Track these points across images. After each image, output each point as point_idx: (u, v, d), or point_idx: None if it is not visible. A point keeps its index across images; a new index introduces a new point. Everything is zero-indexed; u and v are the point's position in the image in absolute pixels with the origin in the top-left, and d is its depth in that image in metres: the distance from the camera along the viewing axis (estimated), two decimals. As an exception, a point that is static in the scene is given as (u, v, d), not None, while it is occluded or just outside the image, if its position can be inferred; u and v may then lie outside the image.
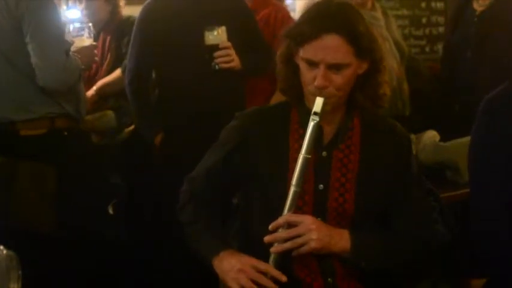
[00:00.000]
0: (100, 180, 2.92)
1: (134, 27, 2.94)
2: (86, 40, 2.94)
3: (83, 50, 2.86)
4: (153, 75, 2.99)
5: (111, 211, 2.94)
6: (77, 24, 3.07)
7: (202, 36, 2.70)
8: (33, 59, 2.57)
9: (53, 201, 2.66)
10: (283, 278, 1.67)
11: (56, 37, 2.61)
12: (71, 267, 2.70)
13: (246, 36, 2.84)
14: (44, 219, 2.63)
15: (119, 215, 3.13)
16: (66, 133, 2.73)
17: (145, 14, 2.89)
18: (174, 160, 2.75)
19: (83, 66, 2.79)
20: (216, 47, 2.71)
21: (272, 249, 1.70)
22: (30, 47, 2.57)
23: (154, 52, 2.84)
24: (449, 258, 1.93)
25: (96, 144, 3.29)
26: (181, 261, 2.54)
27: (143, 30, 2.87)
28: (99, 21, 3.48)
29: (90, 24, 3.01)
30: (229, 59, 2.73)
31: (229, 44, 2.73)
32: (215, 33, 2.70)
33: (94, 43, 2.99)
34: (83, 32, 2.95)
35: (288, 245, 1.68)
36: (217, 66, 2.72)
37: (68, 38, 2.76)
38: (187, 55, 2.75)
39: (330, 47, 1.67)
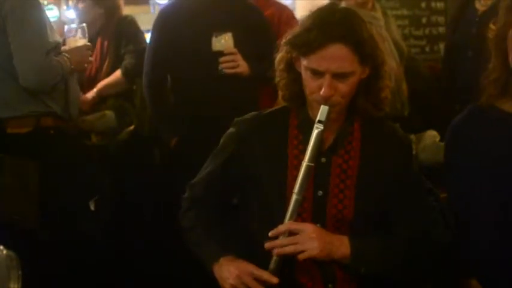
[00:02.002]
0: (86, 179, 2.89)
1: (151, 33, 3.00)
2: (79, 40, 2.94)
3: (73, 50, 2.85)
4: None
5: (92, 207, 2.93)
6: (73, 25, 3.07)
7: (211, 42, 2.75)
8: (14, 59, 2.59)
9: (35, 197, 2.66)
10: (274, 280, 1.67)
11: (35, 37, 2.61)
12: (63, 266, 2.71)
13: (258, 44, 2.86)
14: (26, 215, 2.64)
15: (106, 214, 3.09)
16: (52, 131, 2.75)
17: (161, 20, 2.94)
18: (188, 162, 2.77)
19: (72, 66, 2.78)
20: (222, 53, 2.76)
21: (275, 251, 1.69)
22: (12, 47, 2.59)
23: (169, 57, 2.87)
24: (450, 258, 1.93)
25: (90, 144, 3.30)
26: (182, 263, 2.54)
27: (159, 34, 2.93)
28: (93, 23, 3.48)
29: (84, 25, 3.01)
30: (234, 64, 2.77)
31: (234, 50, 2.77)
32: (222, 39, 2.76)
33: (88, 43, 2.98)
34: (84, 34, 2.95)
35: (289, 248, 1.68)
36: (223, 71, 2.76)
37: (54, 37, 2.73)
38: (200, 60, 2.79)
39: (336, 56, 1.66)
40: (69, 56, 2.77)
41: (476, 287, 1.84)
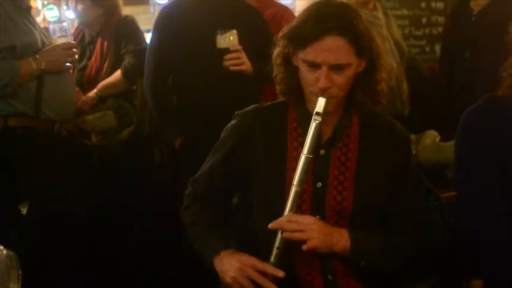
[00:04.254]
0: (56, 181, 2.81)
1: (152, 33, 2.98)
2: (58, 39, 2.85)
3: (45, 51, 2.76)
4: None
5: (23, 212, 2.84)
6: (64, 24, 3.02)
7: (215, 41, 2.74)
8: None
9: None
10: (280, 274, 1.67)
11: None
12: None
13: (260, 43, 2.85)
14: None
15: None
16: (19, 131, 2.72)
17: (162, 20, 2.93)
18: (193, 161, 2.77)
19: (42, 67, 2.70)
20: (227, 51, 2.75)
21: (285, 234, 1.67)
22: None
23: (171, 57, 2.86)
24: (450, 258, 1.93)
25: (90, 144, 3.29)
26: (184, 262, 2.55)
27: (160, 35, 2.91)
28: (93, 24, 3.47)
29: (65, 23, 2.94)
30: (239, 61, 2.77)
31: (239, 47, 2.76)
32: (226, 37, 2.74)
33: (69, 42, 2.87)
34: (62, 33, 2.88)
35: (297, 234, 1.66)
36: (228, 68, 2.76)
37: (21, 38, 2.66)
38: (203, 60, 2.78)
39: (332, 48, 1.67)
40: (38, 57, 2.71)
41: (478, 287, 1.84)
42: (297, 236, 1.68)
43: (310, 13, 1.71)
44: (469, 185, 1.84)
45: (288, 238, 1.68)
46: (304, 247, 1.68)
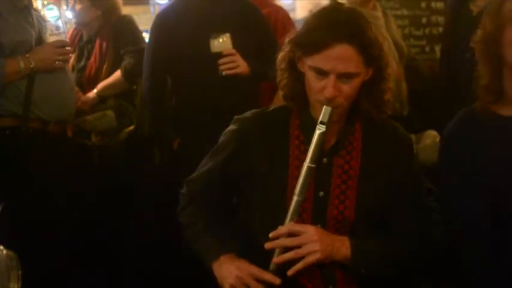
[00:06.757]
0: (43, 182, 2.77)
1: (148, 36, 2.98)
2: (50, 37, 2.81)
3: (35, 49, 2.72)
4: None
5: None
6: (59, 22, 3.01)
7: (209, 42, 2.73)
8: None
9: None
10: (277, 281, 1.67)
11: None
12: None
13: (257, 42, 2.85)
14: None
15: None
16: (7, 132, 2.70)
17: (159, 23, 2.93)
18: (191, 162, 2.78)
19: (32, 65, 2.66)
20: (220, 55, 2.74)
21: (275, 260, 1.69)
22: None
23: (168, 60, 2.86)
24: (450, 259, 1.93)
25: (90, 144, 3.29)
26: (183, 262, 2.54)
27: (156, 38, 2.91)
28: (91, 25, 3.47)
29: (58, 21, 2.92)
30: (234, 65, 2.75)
31: (233, 50, 2.75)
32: (220, 40, 2.74)
33: (60, 40, 2.82)
34: (54, 31, 2.83)
35: (290, 254, 1.68)
36: (223, 73, 2.74)
37: (11, 36, 2.64)
38: (199, 62, 2.77)
39: (341, 56, 1.64)
40: (28, 56, 2.67)
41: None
42: (299, 254, 1.67)
43: (321, 19, 1.68)
44: (450, 197, 1.83)
45: (291, 258, 1.68)
46: (306, 261, 1.67)
